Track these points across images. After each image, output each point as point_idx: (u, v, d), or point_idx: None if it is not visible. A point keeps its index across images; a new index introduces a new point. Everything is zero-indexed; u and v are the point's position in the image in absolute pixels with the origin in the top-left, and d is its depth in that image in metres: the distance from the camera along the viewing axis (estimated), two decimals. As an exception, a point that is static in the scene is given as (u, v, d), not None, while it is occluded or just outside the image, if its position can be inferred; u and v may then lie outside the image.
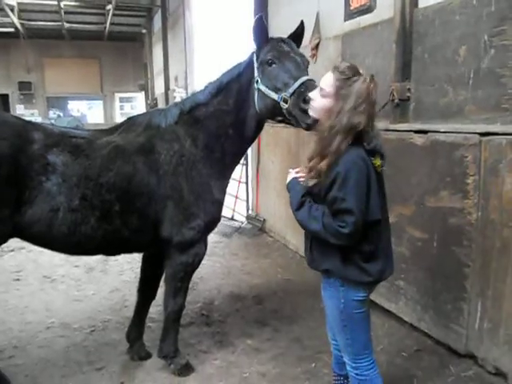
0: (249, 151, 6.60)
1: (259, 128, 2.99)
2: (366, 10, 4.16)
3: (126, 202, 2.66)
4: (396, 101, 3.66)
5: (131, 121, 3.00)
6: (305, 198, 2.08)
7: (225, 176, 3.04)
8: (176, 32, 12.98)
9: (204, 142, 2.88)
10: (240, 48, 8.33)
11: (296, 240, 5.51)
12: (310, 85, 2.43)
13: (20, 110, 19.84)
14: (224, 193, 3.07)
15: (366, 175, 1.94)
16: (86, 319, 3.94)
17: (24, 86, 20.40)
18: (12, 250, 5.63)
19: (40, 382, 3.02)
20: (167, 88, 13.81)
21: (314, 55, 4.95)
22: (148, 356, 3.30)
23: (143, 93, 20.14)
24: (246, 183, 7.00)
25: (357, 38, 4.27)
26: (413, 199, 3.45)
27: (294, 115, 2.50)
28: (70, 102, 22.63)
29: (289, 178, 2.21)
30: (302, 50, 5.13)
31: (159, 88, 15.84)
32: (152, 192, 2.72)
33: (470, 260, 3.02)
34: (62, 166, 2.51)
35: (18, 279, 4.99)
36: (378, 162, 2.01)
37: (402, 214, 3.56)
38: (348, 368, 2.21)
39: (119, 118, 20.43)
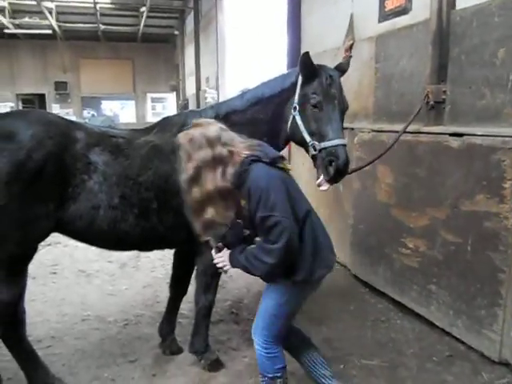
0: (279, 152, 6.62)
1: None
2: (402, 11, 4.13)
3: (163, 201, 2.74)
4: (431, 103, 3.63)
5: (166, 121, 3.08)
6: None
7: None
8: (208, 33, 13.15)
9: None
10: (272, 49, 8.38)
11: (325, 241, 5.52)
12: (340, 151, 2.53)
13: (56, 110, 20.46)
14: None
15: (280, 183, 2.08)
16: (120, 313, 4.06)
17: (60, 86, 21.06)
18: (49, 245, 5.82)
19: (76, 372, 3.14)
20: (198, 89, 13.99)
21: (347, 57, 4.93)
22: (179, 351, 3.37)
23: (174, 93, 20.46)
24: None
25: (391, 40, 4.25)
26: (447, 202, 3.41)
27: (318, 166, 2.63)
28: (103, 101, 23.18)
29: (227, 259, 2.28)
30: (335, 51, 5.16)
31: (190, 89, 16.05)
32: None
33: (506, 265, 2.97)
34: (103, 166, 2.60)
35: (54, 272, 5.16)
36: (285, 164, 2.18)
37: (435, 217, 3.52)
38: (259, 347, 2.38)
39: (151, 118, 20.81)
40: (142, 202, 2.69)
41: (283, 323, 2.38)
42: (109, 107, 23.39)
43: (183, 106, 16.32)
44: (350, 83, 4.82)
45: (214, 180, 2.05)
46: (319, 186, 2.66)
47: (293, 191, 2.16)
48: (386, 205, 4.07)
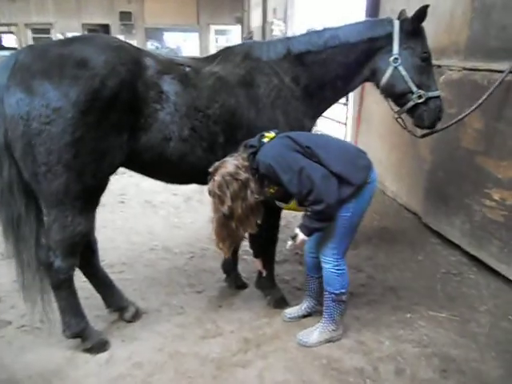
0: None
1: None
2: None
3: (229, 135, 2.66)
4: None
5: (229, 50, 2.94)
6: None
7: (314, 118, 3.06)
8: (277, -41, 12.30)
9: (305, 83, 2.86)
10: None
11: (395, 187, 5.27)
12: (442, 100, 2.96)
13: (120, 41, 20.48)
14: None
15: (279, 146, 2.39)
16: (186, 245, 4.15)
17: (124, 17, 20.98)
18: (116, 174, 5.97)
19: (147, 297, 3.28)
20: (265, 21, 13.35)
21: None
22: (244, 286, 3.43)
23: (239, 26, 19.80)
24: (346, 124, 6.71)
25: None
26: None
27: (420, 114, 2.91)
28: (166, 33, 22.97)
29: (301, 235, 2.49)
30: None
31: (256, 21, 15.39)
32: (251, 125, 2.71)
33: None
34: (174, 95, 2.49)
35: (122, 202, 5.34)
36: (268, 136, 2.47)
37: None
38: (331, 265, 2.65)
39: (214, 51, 20.48)
40: (210, 136, 2.61)
41: (351, 237, 2.63)
42: (172, 39, 23.16)
43: (248, 39, 15.79)
44: (440, 14, 4.33)
45: (246, 204, 2.38)
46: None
47: (294, 140, 2.42)
48: (471, 152, 3.73)
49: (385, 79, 2.86)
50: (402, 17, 2.87)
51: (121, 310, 2.95)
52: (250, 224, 2.48)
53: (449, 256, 4.02)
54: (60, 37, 19.47)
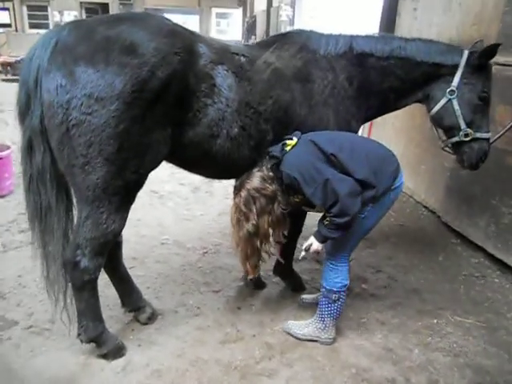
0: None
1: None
2: None
3: (278, 132, 2.47)
4: None
5: (285, 38, 2.74)
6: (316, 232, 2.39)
7: (361, 122, 2.90)
8: None
9: (358, 85, 2.70)
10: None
11: (412, 183, 5.10)
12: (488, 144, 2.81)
13: (118, 21, 20.01)
14: None
15: (304, 155, 2.28)
16: (198, 240, 3.97)
17: (124, -4, 20.46)
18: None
19: (162, 296, 3.10)
20: (270, 5, 12.94)
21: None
22: (263, 286, 3.28)
23: (241, 9, 19.33)
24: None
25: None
26: None
27: (462, 152, 2.83)
28: (165, 15, 22.46)
29: (315, 243, 2.40)
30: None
31: (260, 4, 14.92)
32: (301, 122, 2.54)
33: None
34: (227, 89, 2.28)
35: (128, 190, 5.11)
36: (290, 143, 2.35)
37: None
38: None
39: (215, 35, 20.03)
40: (259, 134, 2.43)
41: (358, 239, 2.53)
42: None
43: (250, 24, 15.36)
44: (469, 6, 4.12)
45: (272, 218, 2.32)
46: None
47: (318, 146, 2.29)
48: (500, 151, 3.56)
49: (436, 109, 2.76)
50: (476, 47, 2.70)
51: (137, 310, 2.78)
52: (276, 237, 2.42)
53: (470, 258, 3.90)
54: (57, 15, 18.97)
